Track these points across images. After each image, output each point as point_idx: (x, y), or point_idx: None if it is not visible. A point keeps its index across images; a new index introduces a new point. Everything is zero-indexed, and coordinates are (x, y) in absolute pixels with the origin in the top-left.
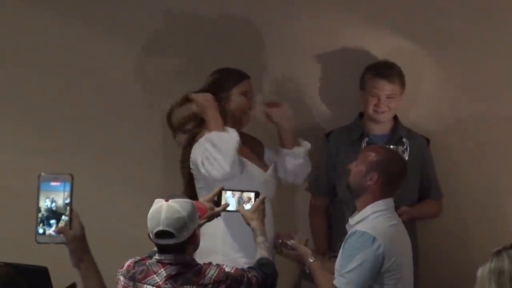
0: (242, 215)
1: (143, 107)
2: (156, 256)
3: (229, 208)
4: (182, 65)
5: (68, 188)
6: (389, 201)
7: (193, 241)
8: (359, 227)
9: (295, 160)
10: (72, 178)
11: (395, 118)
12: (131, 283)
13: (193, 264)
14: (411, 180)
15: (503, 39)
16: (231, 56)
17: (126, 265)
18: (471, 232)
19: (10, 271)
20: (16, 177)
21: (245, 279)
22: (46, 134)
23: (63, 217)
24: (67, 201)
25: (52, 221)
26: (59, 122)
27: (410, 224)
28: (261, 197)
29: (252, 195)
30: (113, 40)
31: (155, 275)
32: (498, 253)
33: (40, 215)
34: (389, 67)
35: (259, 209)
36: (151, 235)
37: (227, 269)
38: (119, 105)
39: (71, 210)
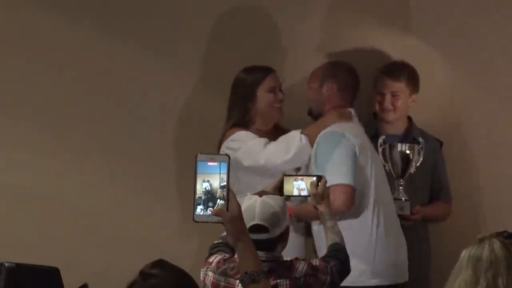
0: (312, 199)
1: (155, 108)
2: None
3: (294, 194)
4: (194, 65)
5: (224, 169)
6: (352, 111)
7: (284, 239)
8: (329, 130)
9: None
10: (229, 159)
11: (409, 119)
12: (222, 278)
13: (283, 260)
14: (422, 182)
15: None
16: (243, 55)
17: (215, 261)
18: (484, 233)
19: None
20: (29, 178)
21: (328, 269)
22: (59, 135)
23: (219, 200)
24: (223, 183)
25: (209, 202)
26: (72, 123)
27: (422, 226)
28: (323, 180)
29: (314, 179)
30: (125, 40)
31: None
32: (481, 240)
33: (197, 195)
34: (397, 66)
35: (326, 193)
36: None
37: (313, 262)
38: (131, 105)
39: (228, 191)
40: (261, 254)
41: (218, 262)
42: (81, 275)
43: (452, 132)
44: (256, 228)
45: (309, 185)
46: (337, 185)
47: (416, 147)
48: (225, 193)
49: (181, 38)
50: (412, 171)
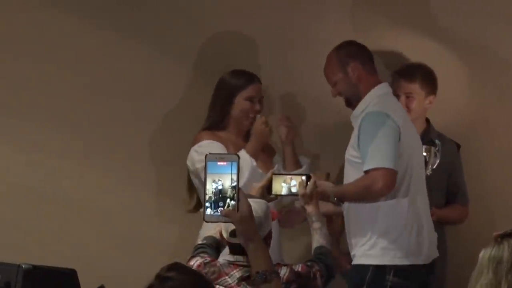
0: (300, 199)
1: (171, 111)
2: (228, 257)
3: (283, 193)
4: (207, 66)
5: (235, 169)
6: (387, 85)
7: (266, 243)
8: (372, 109)
9: None
10: (239, 158)
11: (427, 121)
12: None
13: None
14: (438, 183)
15: None
16: (259, 54)
17: (195, 265)
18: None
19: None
20: (44, 180)
21: (311, 275)
22: (75, 137)
23: (228, 200)
24: (234, 184)
25: (219, 202)
26: (88, 125)
27: (439, 227)
28: (312, 180)
29: (303, 178)
30: (138, 42)
31: (227, 277)
32: (500, 240)
33: (207, 195)
34: (411, 67)
35: (315, 193)
36: (225, 234)
37: (295, 268)
38: (147, 108)
39: (238, 191)
40: (241, 258)
41: (198, 265)
42: (98, 276)
43: (469, 134)
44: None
45: (298, 185)
46: (378, 168)
47: (433, 149)
48: (235, 193)
49: (194, 39)
50: (428, 173)
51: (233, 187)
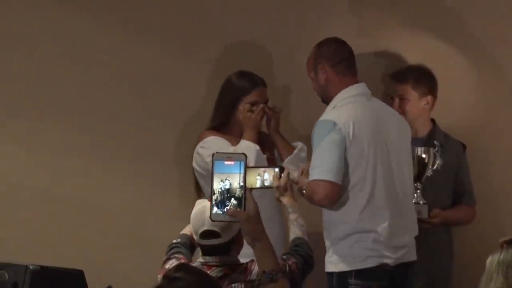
0: (275, 191)
1: (181, 110)
2: (200, 259)
3: (257, 186)
4: (217, 65)
5: (242, 169)
6: (360, 87)
7: (238, 240)
8: (324, 117)
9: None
10: (246, 157)
11: (434, 122)
12: None
13: (238, 264)
14: (443, 184)
15: None
16: (268, 56)
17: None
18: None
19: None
20: (49, 178)
21: (287, 268)
22: (82, 136)
23: (232, 200)
24: (242, 183)
25: (226, 201)
26: (91, 123)
27: (446, 229)
28: (285, 172)
29: (276, 170)
30: (149, 43)
31: None
32: (508, 244)
33: (214, 194)
34: (404, 69)
35: (289, 184)
36: (195, 237)
37: None
38: (156, 107)
39: (245, 190)
40: (213, 259)
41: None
42: (105, 276)
43: (476, 135)
44: (208, 234)
45: (271, 177)
46: (318, 180)
47: (432, 150)
48: (241, 193)
49: (204, 40)
50: (429, 174)
51: (241, 187)
